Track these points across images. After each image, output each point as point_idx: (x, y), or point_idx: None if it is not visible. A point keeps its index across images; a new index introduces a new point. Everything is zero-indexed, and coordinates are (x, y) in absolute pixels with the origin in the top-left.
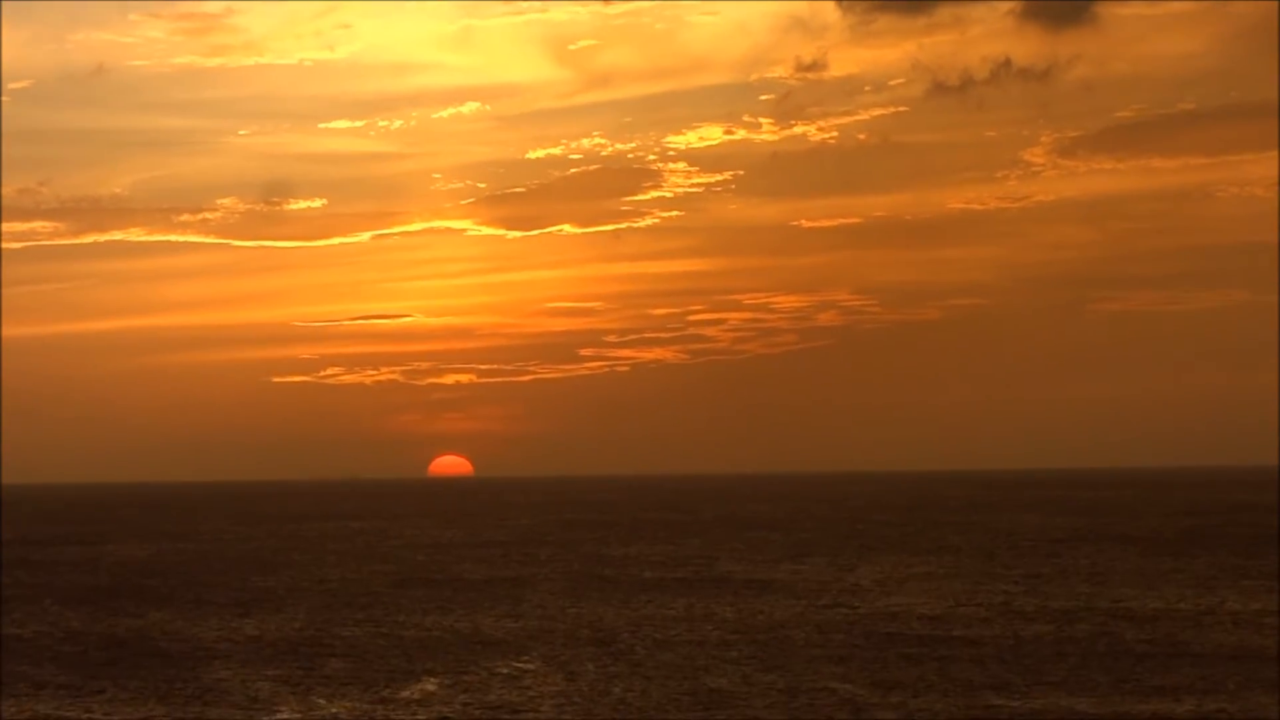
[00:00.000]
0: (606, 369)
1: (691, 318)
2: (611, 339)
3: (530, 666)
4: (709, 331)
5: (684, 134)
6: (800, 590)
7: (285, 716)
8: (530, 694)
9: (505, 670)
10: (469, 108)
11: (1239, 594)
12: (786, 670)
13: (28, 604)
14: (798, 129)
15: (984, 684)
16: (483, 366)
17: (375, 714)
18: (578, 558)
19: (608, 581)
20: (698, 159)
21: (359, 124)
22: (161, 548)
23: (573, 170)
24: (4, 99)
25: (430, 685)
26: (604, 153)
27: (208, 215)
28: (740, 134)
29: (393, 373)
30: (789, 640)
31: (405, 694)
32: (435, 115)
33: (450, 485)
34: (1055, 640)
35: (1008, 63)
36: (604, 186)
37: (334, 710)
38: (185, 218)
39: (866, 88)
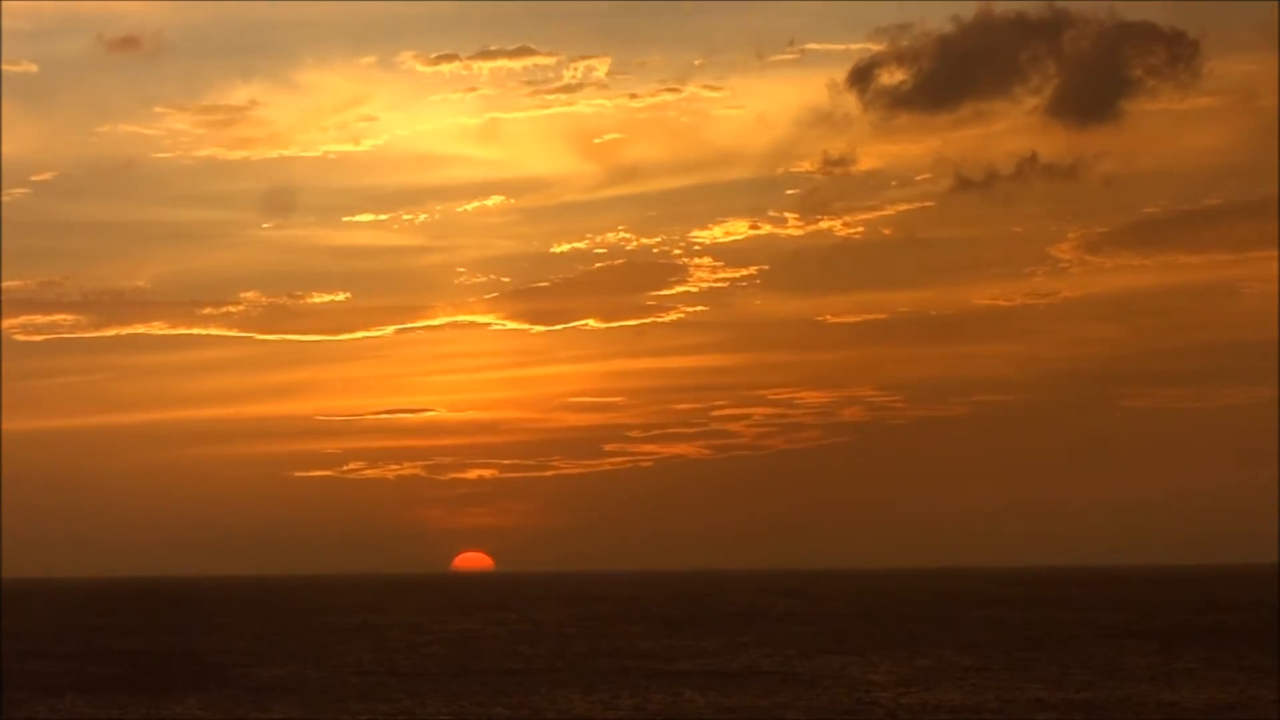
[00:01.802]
0: (629, 464)
1: (715, 413)
2: (635, 434)
3: None
4: (732, 426)
5: (709, 228)
6: (823, 683)
7: None
8: None
9: None
10: (494, 201)
11: (1256, 685)
12: None
13: (45, 694)
14: (823, 224)
15: None
16: (505, 461)
17: None
18: (598, 651)
19: (627, 673)
20: (723, 253)
21: (383, 217)
22: (183, 640)
23: (597, 265)
24: (27, 192)
25: None
26: (629, 247)
27: (230, 309)
28: (765, 228)
29: (415, 467)
30: None
31: None
32: (460, 209)
33: (472, 580)
34: None
35: (1033, 158)
36: (628, 281)
37: None
38: (208, 311)
39: (892, 183)
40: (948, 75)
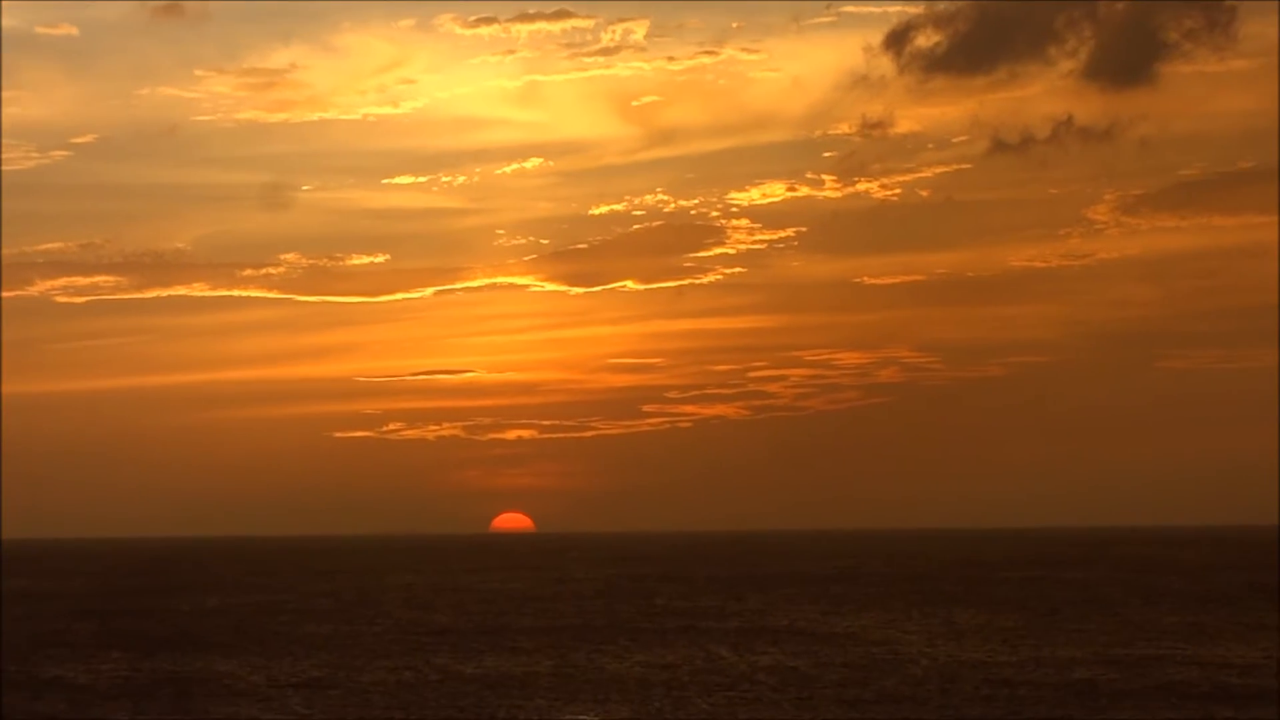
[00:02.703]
0: (668, 425)
1: (753, 374)
2: (673, 395)
3: (576, 708)
4: (771, 388)
5: (747, 190)
6: (859, 641)
7: None
8: None
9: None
10: (533, 163)
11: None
12: (824, 711)
13: (91, 652)
14: (860, 186)
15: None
16: (544, 422)
17: None
18: (637, 610)
19: (665, 632)
20: (760, 215)
21: (422, 179)
22: (219, 600)
23: (636, 227)
24: (67, 154)
25: None
26: (667, 209)
27: (271, 270)
28: (803, 191)
29: (454, 428)
30: (837, 683)
31: None
32: (499, 171)
33: (511, 540)
34: (1119, 684)
35: (1069, 121)
36: (667, 243)
37: None
38: (248, 273)
39: (929, 145)
40: (984, 38)
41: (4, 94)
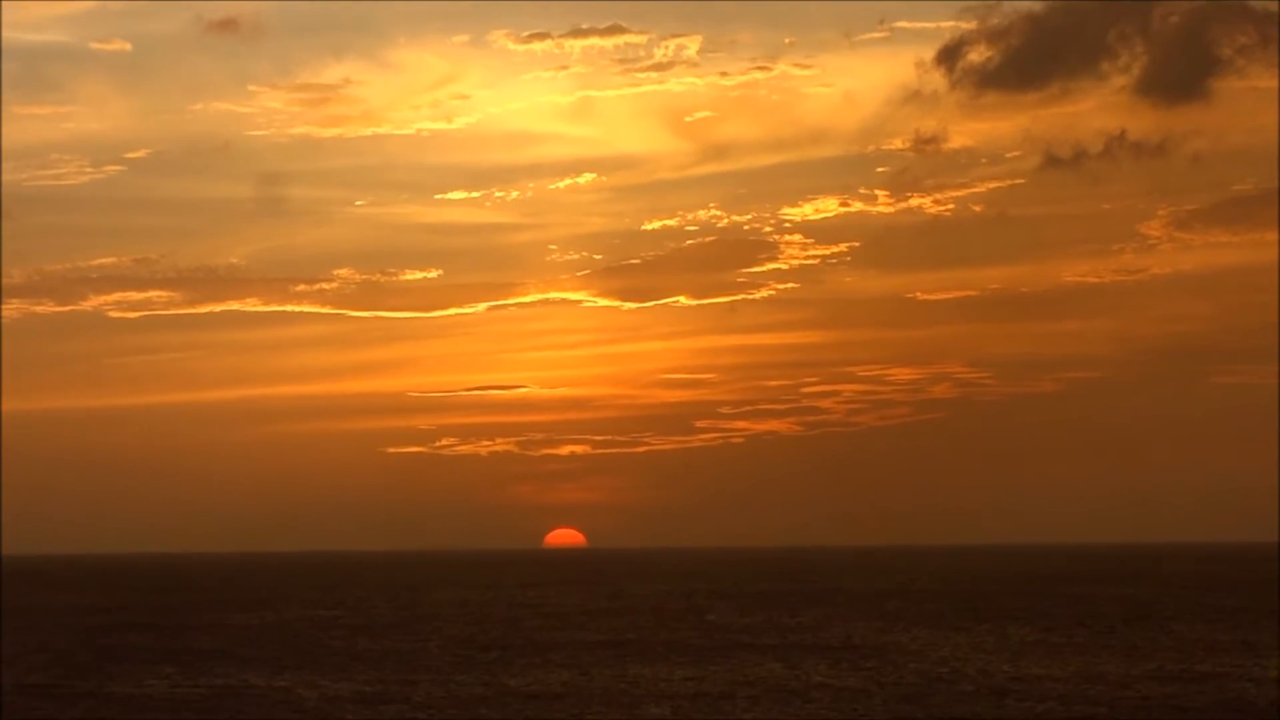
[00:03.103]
0: (721, 440)
1: (806, 389)
2: (726, 410)
3: None
4: (823, 403)
5: (800, 206)
6: (911, 657)
7: None
8: None
9: None
10: (585, 179)
11: None
12: None
13: (145, 665)
14: (913, 201)
15: None
16: (597, 438)
17: None
18: (689, 625)
19: (717, 648)
20: (813, 231)
21: (475, 195)
22: (272, 615)
23: (688, 242)
24: (121, 169)
25: None
26: (720, 224)
27: (324, 285)
28: (856, 206)
29: (507, 443)
30: (890, 700)
31: None
32: (552, 186)
33: (564, 555)
34: (1173, 700)
35: (1122, 136)
36: (719, 258)
37: None
38: (301, 288)
39: (982, 160)
40: (1037, 53)
41: (59, 109)
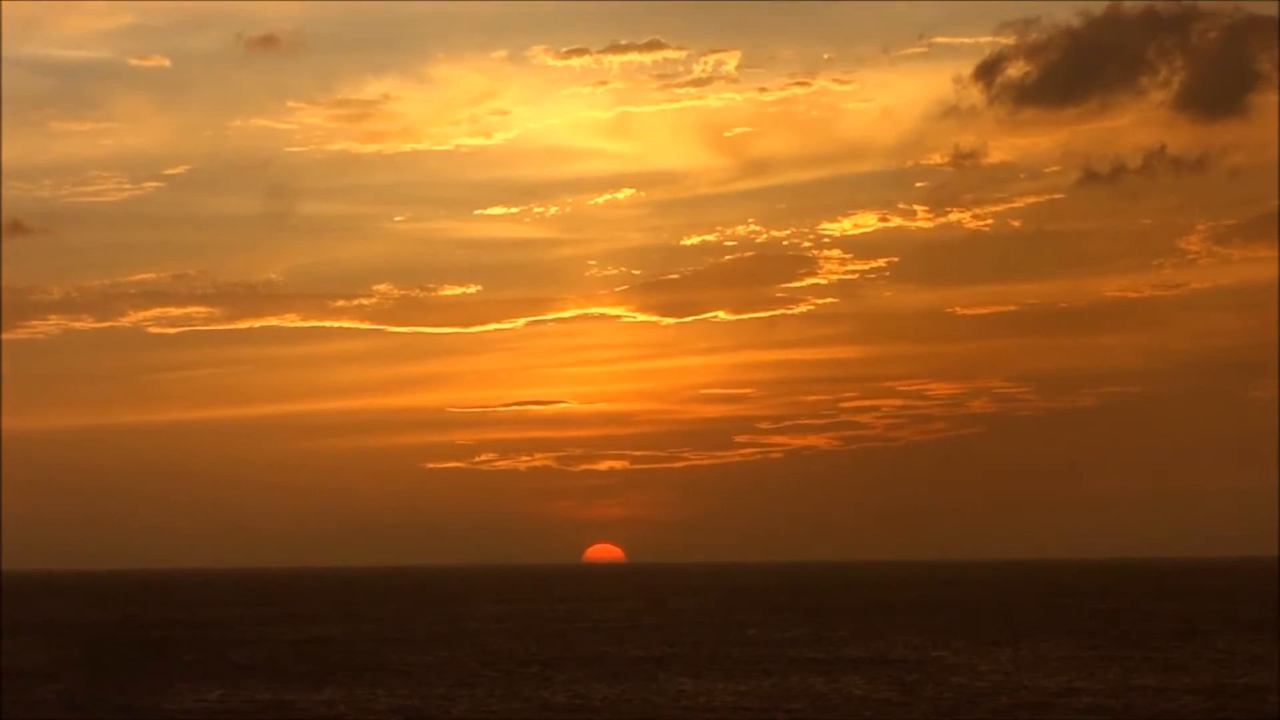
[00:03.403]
0: (759, 455)
1: (844, 404)
2: (764, 425)
3: None
4: (862, 418)
5: (839, 221)
6: (949, 672)
7: None
8: None
9: None
10: (624, 194)
11: None
12: None
13: (191, 682)
14: (952, 216)
15: None
16: (636, 453)
17: None
18: (728, 639)
19: (757, 661)
20: (852, 246)
21: (514, 210)
22: (313, 630)
23: (727, 257)
24: (160, 185)
25: None
26: (759, 239)
27: (363, 301)
28: (895, 221)
29: (546, 459)
30: (928, 714)
31: None
32: (590, 201)
33: (603, 570)
34: (1213, 714)
35: (1161, 151)
36: (758, 273)
37: None
38: (340, 304)
39: (1021, 175)
40: (1075, 69)
41: (98, 125)
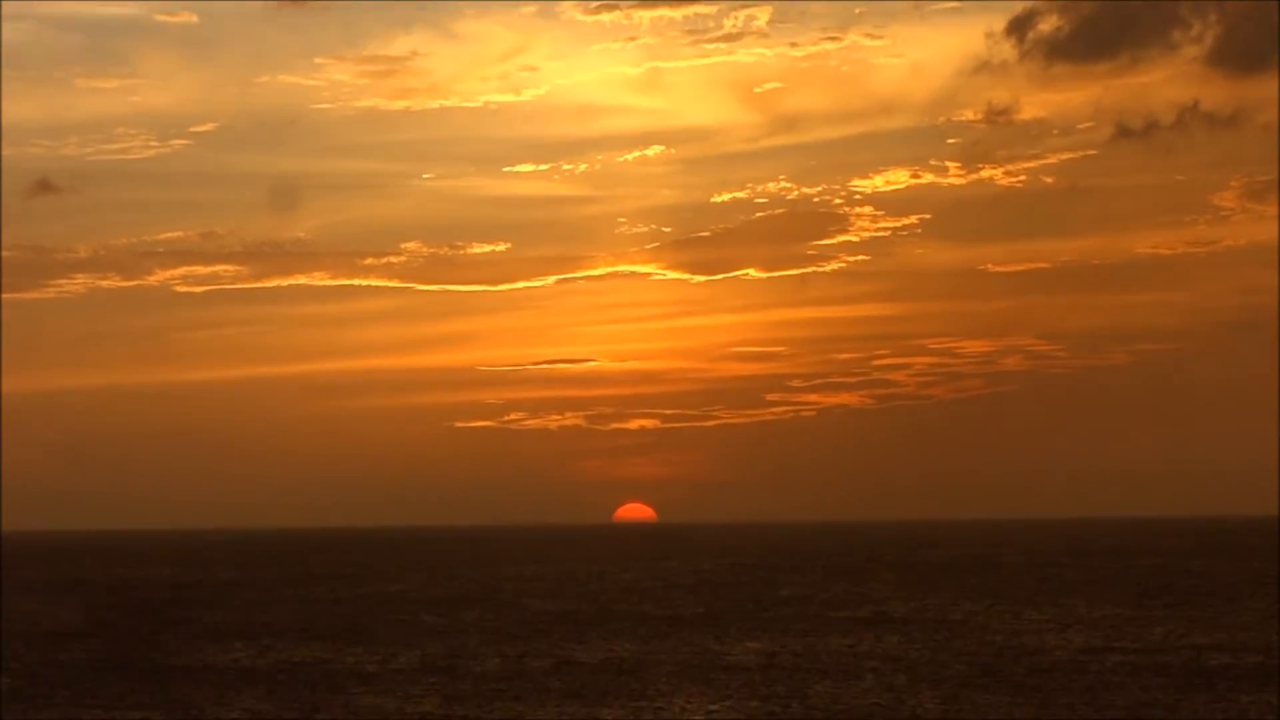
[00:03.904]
0: (792, 414)
1: (877, 362)
2: (797, 384)
3: (699, 693)
4: (894, 376)
5: (870, 178)
6: (980, 629)
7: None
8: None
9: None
10: (654, 151)
11: None
12: (951, 698)
13: (227, 641)
14: (984, 173)
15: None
16: (667, 412)
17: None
18: (758, 598)
19: (787, 619)
20: (884, 203)
21: (544, 167)
22: (343, 590)
23: (758, 214)
24: (187, 143)
25: (594, 709)
26: (790, 196)
27: (391, 259)
28: (927, 178)
29: (576, 418)
30: (964, 674)
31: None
32: (620, 159)
33: (633, 530)
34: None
35: (1194, 107)
36: (790, 230)
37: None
38: (369, 262)
39: (1054, 132)
40: (1107, 23)
41: (125, 82)
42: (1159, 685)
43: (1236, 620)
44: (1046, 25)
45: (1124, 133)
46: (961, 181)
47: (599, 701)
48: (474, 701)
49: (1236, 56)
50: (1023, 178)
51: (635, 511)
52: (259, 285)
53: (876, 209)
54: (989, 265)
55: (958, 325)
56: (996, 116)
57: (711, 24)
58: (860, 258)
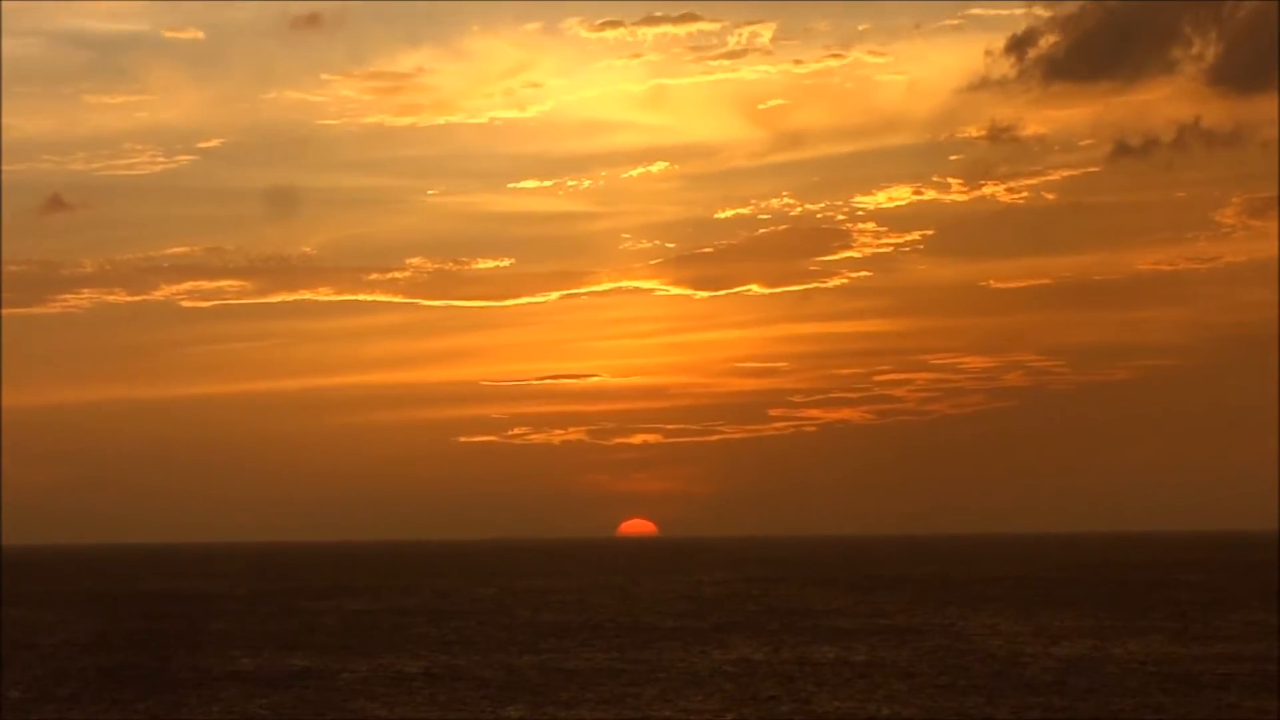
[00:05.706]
0: (793, 429)
1: (878, 377)
2: (798, 399)
3: (696, 699)
4: (896, 391)
5: (873, 194)
6: (975, 640)
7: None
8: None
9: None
10: (658, 167)
11: None
12: (948, 707)
13: (217, 650)
14: (987, 189)
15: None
16: (670, 426)
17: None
18: (759, 610)
19: (789, 630)
20: (886, 219)
21: (548, 183)
22: (348, 603)
23: (761, 230)
24: (193, 159)
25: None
26: (793, 213)
27: (396, 275)
28: (929, 194)
29: (580, 432)
30: (969, 685)
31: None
32: (624, 175)
33: (636, 544)
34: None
35: (1195, 124)
36: (792, 246)
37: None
38: (374, 277)
39: (1055, 148)
40: (1109, 41)
41: (132, 98)
42: (1160, 690)
43: (1240, 631)
44: (1046, 43)
45: (1125, 150)
46: (964, 198)
47: (596, 708)
48: (474, 709)
49: (1237, 74)
50: (1024, 194)
51: (638, 526)
52: (264, 300)
53: (879, 225)
54: (991, 281)
55: (960, 341)
56: (998, 133)
57: (715, 41)
58: (863, 274)
